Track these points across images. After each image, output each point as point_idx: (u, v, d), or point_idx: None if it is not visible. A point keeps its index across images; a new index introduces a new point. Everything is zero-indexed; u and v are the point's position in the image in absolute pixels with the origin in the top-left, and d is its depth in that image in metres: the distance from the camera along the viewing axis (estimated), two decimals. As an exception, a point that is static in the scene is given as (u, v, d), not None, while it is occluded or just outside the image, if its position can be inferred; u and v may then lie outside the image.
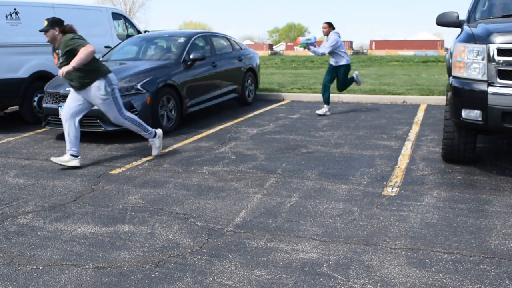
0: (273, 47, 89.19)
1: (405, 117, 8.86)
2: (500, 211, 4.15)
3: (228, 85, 9.75)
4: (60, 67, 5.80)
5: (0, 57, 8.22)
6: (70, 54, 5.67)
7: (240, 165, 5.81)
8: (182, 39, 9.03)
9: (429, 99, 10.63)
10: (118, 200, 4.71)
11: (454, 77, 5.06)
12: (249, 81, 10.74)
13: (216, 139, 7.29)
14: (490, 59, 4.71)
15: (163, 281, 3.12)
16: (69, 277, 3.20)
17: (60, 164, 5.89)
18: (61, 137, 7.75)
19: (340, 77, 9.14)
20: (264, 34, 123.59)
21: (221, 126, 8.29)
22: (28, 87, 8.74)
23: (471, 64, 4.83)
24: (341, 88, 9.36)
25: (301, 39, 8.93)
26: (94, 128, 7.22)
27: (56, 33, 5.75)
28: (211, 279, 3.13)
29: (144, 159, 6.18)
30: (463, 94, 4.89)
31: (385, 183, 5.00)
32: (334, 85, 9.83)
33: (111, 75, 5.94)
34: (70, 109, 5.98)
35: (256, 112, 9.75)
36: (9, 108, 9.38)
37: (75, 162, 5.89)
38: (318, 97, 11.55)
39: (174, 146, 6.85)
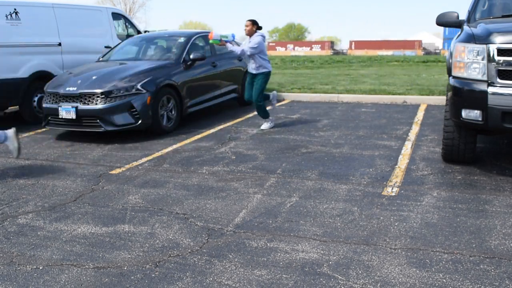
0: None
1: (405, 117, 8.86)
2: (500, 211, 4.15)
3: (228, 85, 9.75)
4: None
5: (0, 57, 8.22)
6: None
7: (240, 165, 5.81)
8: (182, 39, 9.03)
9: (429, 99, 10.63)
10: (118, 200, 4.71)
11: (454, 77, 5.06)
12: (249, 81, 10.73)
13: (216, 139, 7.29)
14: (490, 59, 4.71)
15: (163, 281, 3.12)
16: (69, 277, 3.20)
17: None
18: (61, 137, 7.75)
19: (256, 86, 7.71)
20: (264, 34, 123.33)
21: (221, 126, 8.28)
22: (28, 87, 8.74)
23: (471, 64, 4.84)
24: (253, 98, 7.78)
25: (214, 34, 7.68)
26: (94, 128, 7.22)
27: None
28: (211, 279, 3.13)
29: (144, 159, 6.18)
30: (463, 94, 4.89)
31: (385, 183, 5.00)
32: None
33: None
34: None
35: (256, 112, 9.73)
36: (9, 108, 9.37)
37: None
38: (319, 97, 11.56)
39: (174, 146, 6.85)
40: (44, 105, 7.70)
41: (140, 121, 7.26)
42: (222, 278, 3.13)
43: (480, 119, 4.75)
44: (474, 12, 6.00)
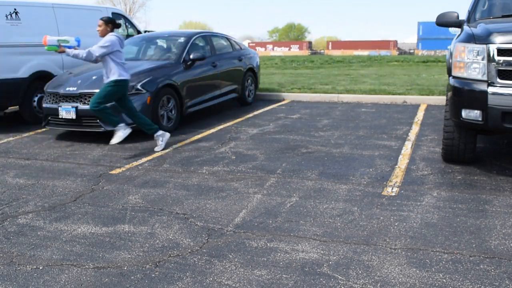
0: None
1: (405, 117, 8.86)
2: (500, 211, 4.15)
3: (228, 85, 9.75)
4: None
5: (0, 57, 8.22)
6: None
7: (240, 165, 5.81)
8: (182, 39, 9.03)
9: (429, 99, 10.63)
10: (118, 200, 4.71)
11: (454, 77, 5.06)
12: (249, 81, 10.74)
13: (216, 139, 7.29)
14: (490, 59, 4.71)
15: (163, 281, 3.12)
16: (69, 277, 3.20)
17: None
18: (61, 137, 7.75)
19: (101, 90, 6.39)
20: (264, 34, 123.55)
21: (221, 126, 8.29)
22: (28, 87, 8.74)
23: (471, 64, 4.84)
24: (90, 103, 6.35)
25: (49, 39, 6.21)
26: (94, 128, 7.22)
27: None
28: (211, 279, 3.13)
29: (144, 159, 6.18)
30: (463, 94, 4.89)
31: (385, 183, 5.00)
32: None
33: None
34: None
35: (256, 112, 9.75)
36: (9, 108, 9.37)
37: None
38: (319, 97, 11.56)
39: (174, 146, 6.85)
40: (44, 105, 7.70)
41: (140, 121, 7.24)
42: (222, 278, 3.13)
43: (480, 119, 4.75)
44: (474, 12, 6.01)
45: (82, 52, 6.19)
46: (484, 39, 4.78)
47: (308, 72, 20.09)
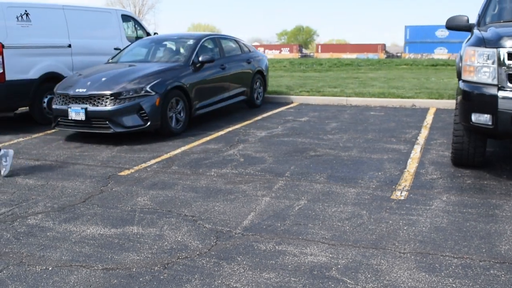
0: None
1: (414, 120, 8.83)
2: (510, 215, 4.12)
3: (236, 88, 9.76)
4: None
5: (11, 58, 8.28)
6: None
7: (249, 167, 5.81)
8: (191, 41, 9.06)
9: (438, 103, 10.59)
10: (127, 201, 4.73)
11: (464, 81, 5.03)
12: (257, 83, 10.75)
13: (225, 141, 7.30)
14: (500, 63, 4.69)
15: (172, 283, 3.13)
16: (78, 278, 3.21)
17: None
18: (70, 138, 7.79)
19: None
20: (273, 37, 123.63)
21: (230, 129, 8.29)
22: (38, 88, 8.80)
23: (481, 68, 4.81)
24: None
25: None
26: (103, 130, 7.25)
27: None
28: (220, 281, 3.13)
29: (153, 161, 6.20)
30: (473, 98, 4.87)
31: (394, 186, 4.99)
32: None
33: None
34: None
35: (265, 115, 9.75)
36: (19, 109, 9.44)
37: None
38: (327, 100, 11.54)
39: (183, 148, 6.86)
40: (53, 106, 7.74)
41: (149, 123, 7.28)
42: (231, 280, 3.13)
43: (490, 123, 4.73)
44: (484, 15, 5.98)
45: None
46: (494, 43, 4.76)
47: (317, 75, 20.08)
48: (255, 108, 10.61)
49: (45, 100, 9.03)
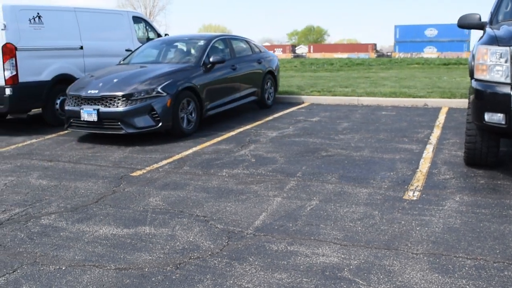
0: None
1: (426, 120, 8.77)
2: (525, 216, 4.08)
3: (247, 88, 9.76)
4: None
5: (24, 60, 8.36)
6: None
7: (260, 168, 5.81)
8: (202, 42, 9.08)
9: (450, 102, 10.51)
10: (139, 202, 4.75)
11: (476, 79, 4.99)
12: (268, 84, 10.74)
13: (236, 141, 7.31)
14: (514, 62, 4.63)
15: (184, 283, 3.13)
16: (91, 278, 3.23)
17: None
18: (82, 139, 7.84)
19: None
20: (283, 37, 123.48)
21: (241, 129, 8.30)
22: (50, 90, 8.87)
23: (494, 67, 4.77)
24: None
25: None
26: (115, 131, 7.29)
27: None
28: (231, 282, 3.13)
29: (165, 162, 6.22)
30: (486, 97, 4.82)
31: (406, 187, 4.96)
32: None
33: None
34: None
35: (276, 115, 9.75)
36: (32, 110, 9.53)
37: None
38: (338, 100, 11.51)
39: (194, 149, 6.88)
40: (66, 107, 7.80)
41: (160, 124, 7.31)
42: (242, 281, 3.14)
43: (503, 122, 4.68)
44: (496, 14, 5.92)
45: None
46: (507, 41, 4.71)
47: (328, 74, 20.03)
48: (266, 109, 10.60)
49: (58, 101, 9.10)
